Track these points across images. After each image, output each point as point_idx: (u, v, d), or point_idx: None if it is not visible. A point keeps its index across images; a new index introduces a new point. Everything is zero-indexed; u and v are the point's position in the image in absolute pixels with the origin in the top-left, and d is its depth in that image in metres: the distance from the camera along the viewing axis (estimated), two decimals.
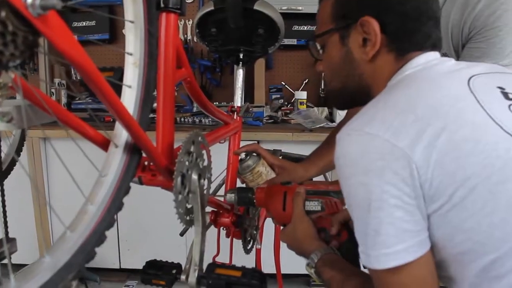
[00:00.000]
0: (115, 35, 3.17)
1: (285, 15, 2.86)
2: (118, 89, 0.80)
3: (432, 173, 0.67)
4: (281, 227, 1.11)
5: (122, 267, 2.84)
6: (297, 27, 3.07)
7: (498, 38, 1.13)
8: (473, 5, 1.15)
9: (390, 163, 0.68)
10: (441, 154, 0.67)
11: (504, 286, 0.68)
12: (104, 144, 0.75)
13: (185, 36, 3.08)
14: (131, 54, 0.78)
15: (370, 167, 0.69)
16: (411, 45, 0.84)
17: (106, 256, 2.78)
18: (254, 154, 1.29)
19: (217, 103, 3.07)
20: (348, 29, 0.86)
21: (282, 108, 3.03)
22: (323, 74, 3.08)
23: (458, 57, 1.23)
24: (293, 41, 3.09)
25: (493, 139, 0.68)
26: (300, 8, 2.94)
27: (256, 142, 2.50)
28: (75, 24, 3.09)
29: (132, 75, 0.78)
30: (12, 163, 1.40)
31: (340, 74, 0.91)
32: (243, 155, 1.28)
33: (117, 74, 2.79)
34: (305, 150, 1.48)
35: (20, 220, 2.56)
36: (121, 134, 0.75)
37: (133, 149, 0.78)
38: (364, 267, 0.79)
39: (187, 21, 3.07)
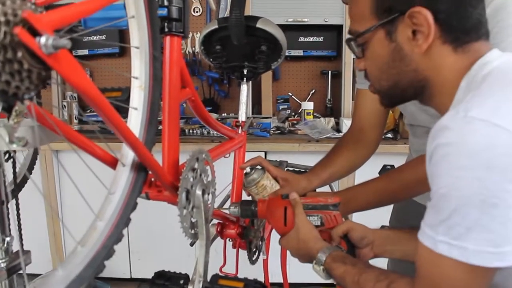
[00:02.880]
0: (124, 49, 3.25)
1: (291, 27, 2.96)
2: (126, 109, 0.85)
3: None
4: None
5: (133, 276, 2.89)
6: (302, 38, 3.12)
7: None
8: None
9: None
10: None
11: None
12: (112, 163, 0.79)
13: (193, 48, 3.14)
14: (136, 78, 0.83)
15: (494, 163, 0.64)
16: (466, 34, 0.78)
17: (117, 266, 2.83)
18: (259, 167, 1.33)
19: (225, 114, 3.12)
20: (395, 22, 0.79)
21: (289, 118, 3.07)
22: (329, 86, 3.15)
23: None
24: (300, 52, 3.14)
25: None
26: (305, 20, 2.99)
27: (263, 152, 2.55)
28: (86, 38, 3.17)
29: (138, 98, 0.83)
30: (25, 177, 1.46)
31: (390, 72, 0.84)
32: (248, 169, 1.32)
33: (125, 94, 2.87)
34: (312, 160, 1.51)
35: (33, 231, 2.63)
36: (127, 154, 0.80)
37: (140, 167, 0.82)
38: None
39: (195, 34, 3.13)
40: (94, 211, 0.76)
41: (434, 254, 0.71)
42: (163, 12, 0.90)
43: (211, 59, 1.51)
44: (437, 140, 0.69)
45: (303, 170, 1.59)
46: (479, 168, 0.64)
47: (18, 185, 1.44)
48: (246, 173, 1.33)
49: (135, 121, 0.83)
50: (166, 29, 0.92)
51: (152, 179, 0.91)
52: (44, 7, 0.57)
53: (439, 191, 0.69)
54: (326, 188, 1.57)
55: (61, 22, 0.51)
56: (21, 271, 1.12)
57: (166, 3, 0.90)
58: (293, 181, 1.35)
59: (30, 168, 1.51)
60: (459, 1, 0.76)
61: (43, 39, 0.47)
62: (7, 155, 1.31)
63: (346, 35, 2.93)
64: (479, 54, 0.78)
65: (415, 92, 0.84)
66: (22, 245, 1.26)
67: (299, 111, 3.11)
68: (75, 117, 3.12)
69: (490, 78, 0.73)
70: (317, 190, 1.42)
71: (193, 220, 0.95)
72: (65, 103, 3.12)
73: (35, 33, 0.48)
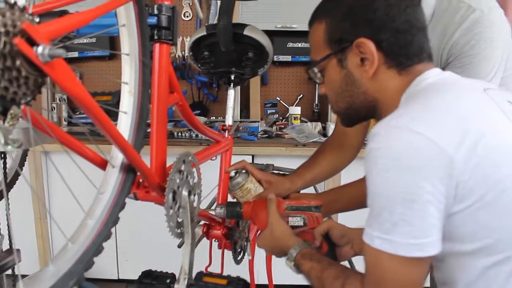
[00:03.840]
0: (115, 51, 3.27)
1: (280, 33, 3.01)
2: (116, 113, 0.89)
3: (469, 175, 0.73)
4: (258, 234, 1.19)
5: (120, 277, 2.90)
6: (291, 44, 3.16)
7: (472, 65, 1.21)
8: (451, 34, 1.23)
9: (431, 162, 0.73)
10: (479, 158, 0.73)
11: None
12: (102, 164, 0.83)
13: (183, 52, 3.17)
14: (126, 84, 0.87)
15: (411, 163, 0.73)
16: (409, 58, 0.89)
17: (105, 267, 2.84)
18: (243, 171, 1.37)
19: (214, 117, 3.16)
20: (345, 52, 0.91)
21: (277, 123, 3.10)
22: (317, 91, 3.20)
23: None
24: (288, 58, 3.18)
25: None
26: (294, 26, 3.04)
27: (251, 156, 2.59)
28: (77, 41, 3.19)
29: (127, 102, 0.88)
30: (16, 175, 1.48)
31: (344, 95, 0.95)
32: (232, 173, 1.36)
33: (115, 97, 2.89)
34: (298, 164, 1.53)
35: (21, 231, 2.64)
36: (117, 156, 0.84)
37: (128, 169, 0.86)
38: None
39: (184, 38, 3.17)
40: (84, 210, 0.80)
41: (372, 250, 0.79)
42: (152, 20, 0.94)
43: (199, 65, 1.55)
44: (369, 145, 0.79)
45: (288, 173, 1.63)
46: (399, 169, 0.74)
47: (9, 184, 1.46)
48: (231, 177, 1.37)
49: (125, 125, 0.87)
50: (156, 37, 0.95)
51: (140, 180, 0.95)
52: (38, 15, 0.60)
53: (372, 191, 0.79)
54: (311, 190, 1.61)
55: (57, 33, 0.55)
56: (8, 272, 1.15)
57: (156, 12, 0.94)
58: (276, 183, 1.39)
59: (20, 167, 1.53)
60: (399, 31, 0.87)
61: (40, 49, 0.51)
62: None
63: None
64: (420, 73, 0.88)
65: (367, 112, 0.94)
66: (11, 244, 1.28)
67: (287, 115, 3.15)
68: (64, 119, 3.14)
69: (422, 92, 0.84)
70: (301, 191, 1.46)
71: (179, 220, 0.98)
72: (54, 105, 3.14)
73: (32, 42, 0.51)
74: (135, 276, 1.12)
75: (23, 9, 0.54)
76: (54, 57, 0.52)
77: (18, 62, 0.51)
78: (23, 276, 0.69)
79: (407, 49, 0.88)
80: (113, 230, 0.83)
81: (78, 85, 0.59)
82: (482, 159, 0.73)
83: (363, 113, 0.95)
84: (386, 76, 0.89)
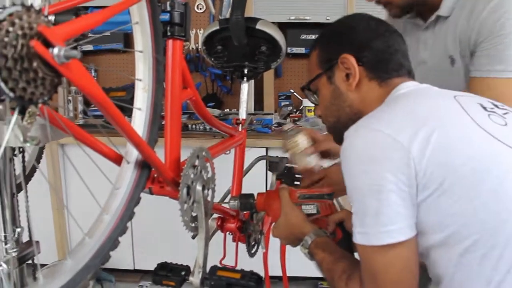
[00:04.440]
0: (129, 45, 3.29)
1: (293, 25, 3.00)
2: (131, 108, 0.91)
3: (426, 164, 0.78)
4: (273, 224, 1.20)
5: (136, 268, 2.94)
6: (305, 36, 3.14)
7: (503, 45, 1.16)
8: (478, 14, 1.18)
9: (390, 154, 0.80)
10: (434, 147, 0.78)
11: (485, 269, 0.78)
12: (117, 160, 0.85)
13: (197, 45, 3.17)
14: (140, 80, 0.88)
15: (373, 157, 0.81)
16: (388, 73, 0.98)
17: (121, 258, 2.88)
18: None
19: (227, 110, 3.16)
20: (333, 69, 1.01)
21: (291, 115, 3.10)
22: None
23: (464, 62, 1.28)
24: (301, 50, 3.16)
25: (477, 138, 0.82)
26: (307, 17, 3.02)
27: (264, 148, 2.59)
28: (91, 34, 3.21)
29: (141, 99, 0.89)
30: (33, 169, 1.51)
31: (333, 109, 1.04)
32: (290, 125, 1.38)
33: (129, 93, 2.91)
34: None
35: (39, 224, 2.68)
36: (132, 152, 0.86)
37: (143, 164, 0.87)
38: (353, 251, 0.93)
39: (198, 30, 3.17)
40: (100, 204, 0.82)
41: (358, 246, 0.85)
42: (165, 17, 0.94)
43: (212, 59, 1.56)
44: (342, 146, 0.87)
45: None
46: (364, 163, 0.82)
47: (27, 177, 1.49)
48: (288, 129, 1.39)
49: (139, 121, 0.88)
50: (169, 33, 0.96)
51: (155, 175, 0.96)
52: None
53: (348, 188, 0.86)
54: None
55: (72, 34, 0.56)
56: (29, 261, 1.18)
57: (168, 8, 0.95)
58: (335, 151, 1.37)
59: (37, 161, 1.56)
60: (378, 50, 0.98)
61: (56, 50, 0.52)
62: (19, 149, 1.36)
63: None
64: (398, 84, 0.97)
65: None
66: (31, 235, 1.31)
67: (301, 107, 3.13)
68: (80, 112, 3.16)
69: (396, 99, 0.94)
70: None
71: (194, 214, 1.00)
72: (70, 98, 3.17)
73: (48, 44, 0.53)
74: (150, 267, 1.14)
75: (39, 11, 0.56)
76: (69, 58, 0.54)
77: (35, 64, 0.53)
78: (41, 265, 0.71)
79: (386, 65, 0.98)
80: (129, 223, 0.84)
81: (94, 84, 0.60)
82: (437, 147, 0.78)
83: (350, 126, 1.00)
84: (368, 88, 0.99)
